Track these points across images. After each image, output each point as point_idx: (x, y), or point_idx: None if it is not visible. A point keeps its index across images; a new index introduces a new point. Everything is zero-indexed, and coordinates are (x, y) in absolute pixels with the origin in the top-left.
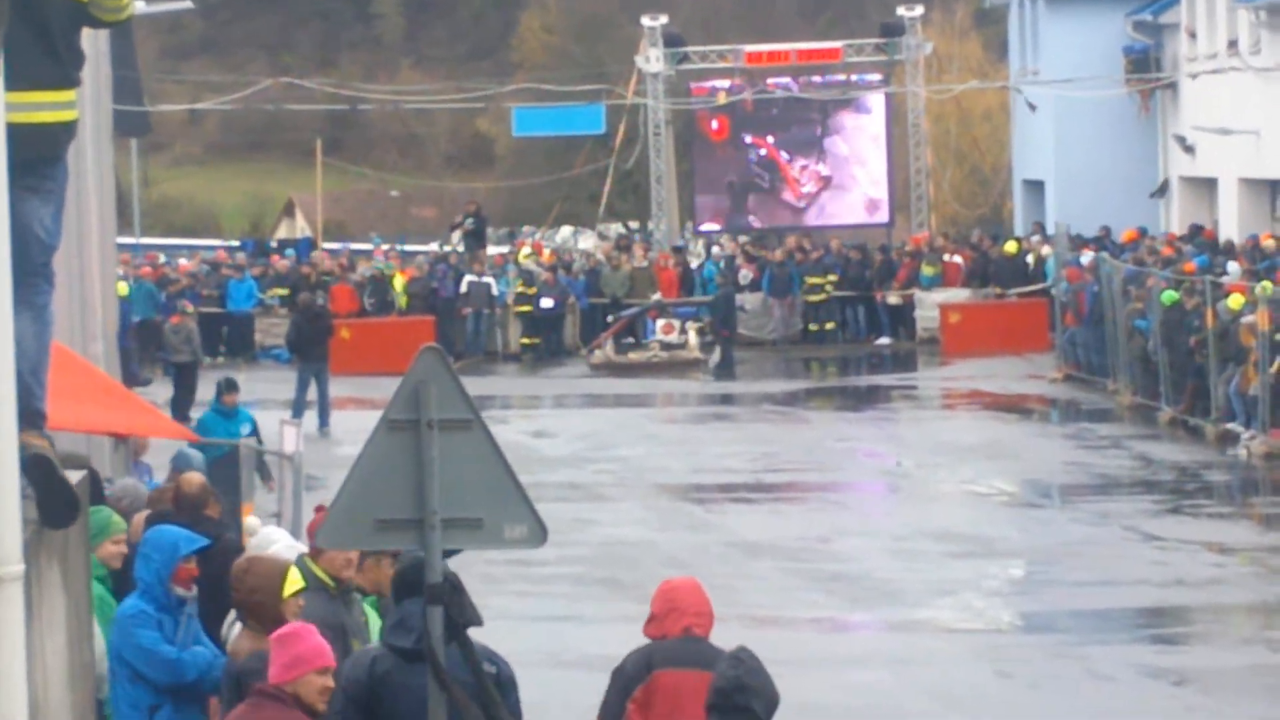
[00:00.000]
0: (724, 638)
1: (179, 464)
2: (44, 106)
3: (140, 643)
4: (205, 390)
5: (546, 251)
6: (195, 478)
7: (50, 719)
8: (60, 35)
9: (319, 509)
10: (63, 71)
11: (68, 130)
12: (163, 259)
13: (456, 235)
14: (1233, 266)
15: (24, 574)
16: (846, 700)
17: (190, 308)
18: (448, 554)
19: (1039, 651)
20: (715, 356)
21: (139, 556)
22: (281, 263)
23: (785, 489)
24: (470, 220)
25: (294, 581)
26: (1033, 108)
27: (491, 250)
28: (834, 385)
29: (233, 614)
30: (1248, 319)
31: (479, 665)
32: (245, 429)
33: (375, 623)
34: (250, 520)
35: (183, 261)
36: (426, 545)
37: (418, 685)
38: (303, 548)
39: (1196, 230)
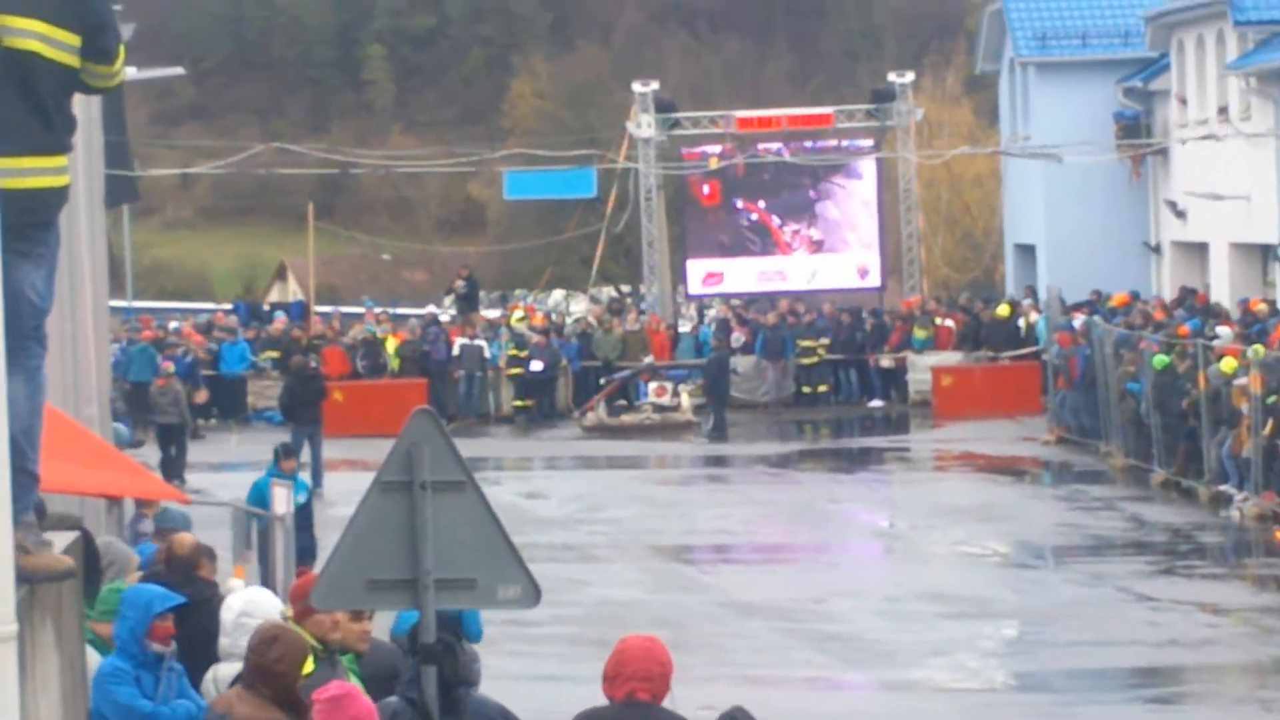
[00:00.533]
0: (717, 697)
1: (164, 522)
2: (36, 172)
3: (117, 699)
4: (196, 453)
5: (538, 315)
6: (187, 538)
7: None
8: (51, 101)
9: (300, 572)
10: (54, 137)
11: (59, 195)
12: (155, 323)
13: (449, 300)
14: (1224, 331)
15: (17, 633)
16: None
17: (171, 368)
18: (458, 629)
19: (1033, 712)
20: (709, 421)
21: (117, 615)
22: (276, 325)
23: (778, 550)
24: (463, 285)
25: (309, 665)
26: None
27: (485, 313)
28: (826, 447)
29: (215, 670)
30: (1240, 381)
31: None
32: (301, 497)
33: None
34: (233, 582)
35: (175, 325)
36: (420, 606)
37: None
38: (276, 604)
39: (1188, 293)
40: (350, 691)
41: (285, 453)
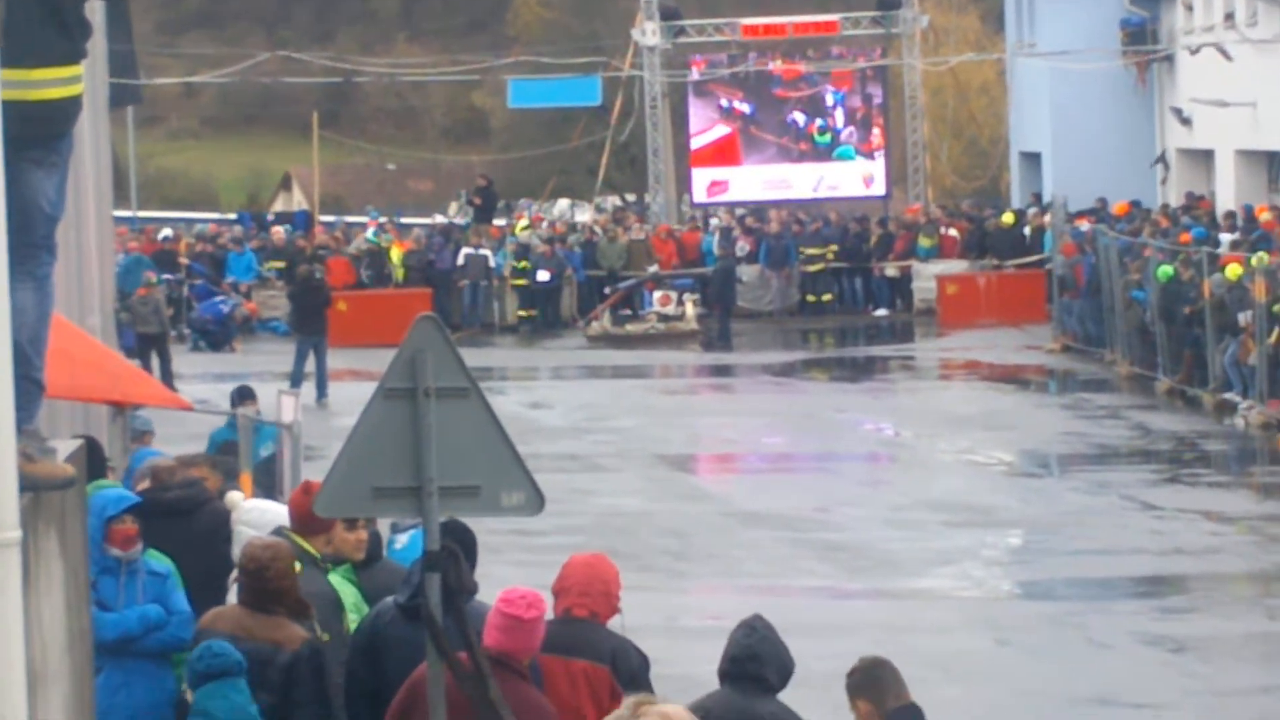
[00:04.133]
0: (723, 606)
1: (134, 426)
2: (53, 83)
3: None
4: (202, 364)
5: (545, 224)
6: (165, 461)
7: (49, 683)
8: (70, 9)
9: (304, 486)
10: (71, 46)
11: (76, 105)
12: (168, 231)
13: (454, 208)
14: (1224, 237)
15: (21, 540)
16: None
17: (155, 278)
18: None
19: (1038, 620)
20: (715, 330)
21: None
22: (275, 234)
23: (783, 459)
24: (479, 193)
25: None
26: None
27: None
28: (831, 356)
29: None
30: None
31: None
32: (266, 449)
33: (348, 592)
34: (233, 494)
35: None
36: (424, 512)
37: (412, 638)
38: (282, 513)
39: (1194, 201)
40: (541, 613)
41: (242, 396)
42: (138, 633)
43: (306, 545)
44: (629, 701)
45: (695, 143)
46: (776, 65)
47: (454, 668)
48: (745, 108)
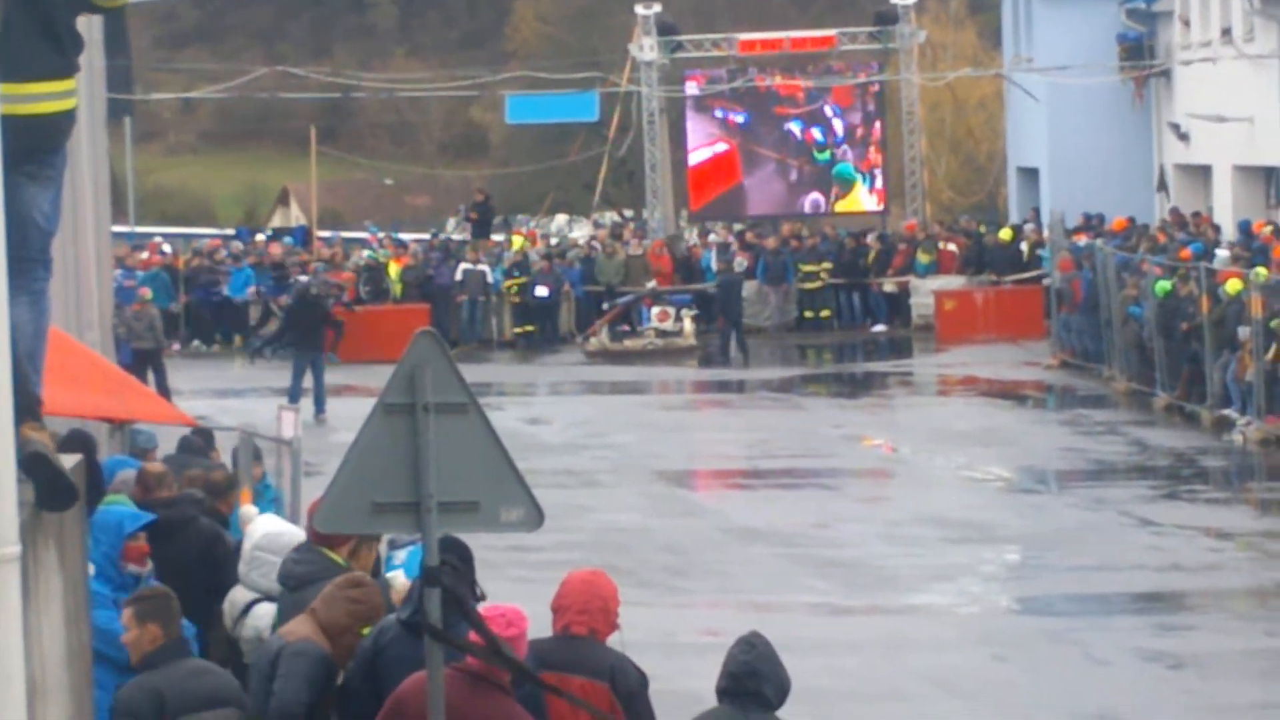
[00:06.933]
0: (721, 622)
1: (135, 442)
2: (47, 97)
3: (97, 623)
4: (202, 379)
5: (540, 238)
6: (156, 466)
7: (48, 697)
8: (63, 24)
9: None
10: (65, 60)
11: (70, 119)
12: (168, 247)
13: (452, 224)
14: (1221, 253)
15: (21, 555)
16: (843, 685)
17: (148, 294)
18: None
19: (1036, 636)
20: (734, 351)
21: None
22: (272, 249)
23: (781, 475)
24: (476, 209)
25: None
26: (1033, 97)
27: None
28: (829, 372)
29: (238, 593)
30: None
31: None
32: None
33: None
34: (246, 509)
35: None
36: (423, 528)
37: (413, 655)
38: (297, 537)
39: (1192, 217)
40: (521, 631)
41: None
42: None
43: (335, 557)
44: None
45: (693, 158)
46: (775, 81)
47: (478, 656)
48: (743, 122)
